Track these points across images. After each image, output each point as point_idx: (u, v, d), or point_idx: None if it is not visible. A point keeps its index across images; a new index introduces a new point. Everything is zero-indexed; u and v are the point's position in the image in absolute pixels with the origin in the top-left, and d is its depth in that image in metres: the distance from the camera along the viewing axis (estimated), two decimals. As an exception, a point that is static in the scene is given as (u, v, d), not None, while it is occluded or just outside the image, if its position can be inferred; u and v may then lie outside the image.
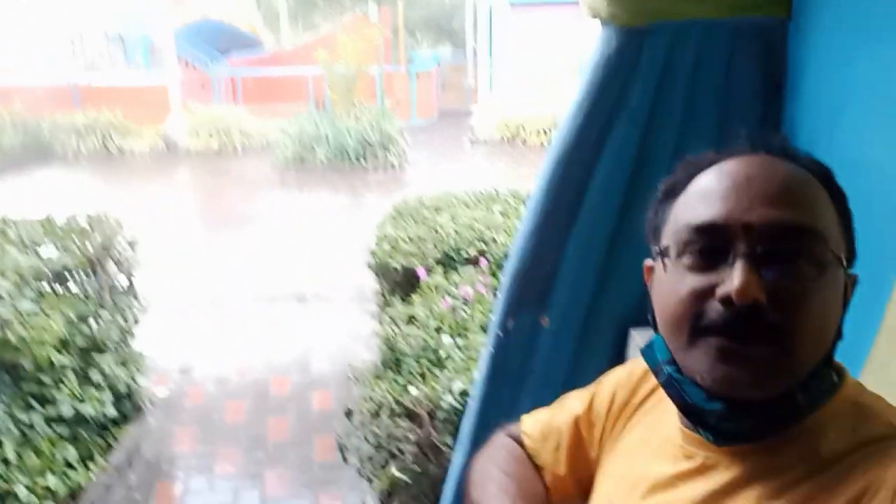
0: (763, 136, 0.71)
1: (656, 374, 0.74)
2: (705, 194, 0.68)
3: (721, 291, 0.63)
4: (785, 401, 0.64)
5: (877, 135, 1.16)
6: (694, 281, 0.66)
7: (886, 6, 1.14)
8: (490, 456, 0.99)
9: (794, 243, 0.63)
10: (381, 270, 3.47)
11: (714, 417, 0.67)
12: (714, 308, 0.64)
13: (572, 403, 0.97)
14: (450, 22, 19.34)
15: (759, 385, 0.63)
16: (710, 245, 0.65)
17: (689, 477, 0.73)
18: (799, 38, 1.40)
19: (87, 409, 3.07)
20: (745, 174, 0.66)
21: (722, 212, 0.65)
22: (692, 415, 0.70)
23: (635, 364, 0.92)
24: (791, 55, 1.43)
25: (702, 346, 0.65)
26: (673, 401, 0.72)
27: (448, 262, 3.40)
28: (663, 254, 0.70)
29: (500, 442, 1.01)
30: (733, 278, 0.61)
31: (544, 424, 0.98)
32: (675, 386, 0.70)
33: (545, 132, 12.38)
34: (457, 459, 1.66)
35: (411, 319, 2.73)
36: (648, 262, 0.77)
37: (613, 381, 0.93)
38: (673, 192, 0.74)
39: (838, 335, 0.68)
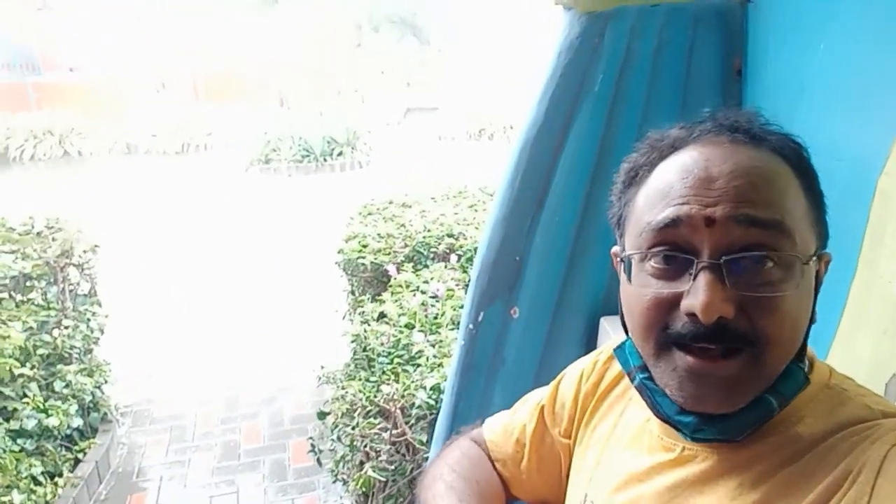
0: (729, 115, 0.68)
1: (630, 378, 0.73)
2: (666, 192, 0.64)
3: (686, 306, 0.61)
4: (757, 405, 0.63)
5: (835, 117, 1.17)
6: (659, 288, 0.63)
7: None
8: (442, 457, 0.96)
9: (759, 244, 0.60)
10: (350, 269, 3.43)
11: (688, 429, 0.66)
12: (680, 319, 0.62)
13: (535, 398, 0.95)
14: (414, 16, 19.25)
15: (729, 401, 0.62)
16: (672, 249, 0.63)
17: (667, 468, 0.71)
18: (758, 22, 1.41)
19: (52, 422, 2.98)
20: (706, 167, 0.63)
21: (682, 213, 0.62)
22: (667, 423, 0.69)
23: (599, 353, 0.90)
24: (750, 38, 1.43)
25: (670, 359, 0.64)
26: (647, 406, 0.71)
27: (418, 259, 3.38)
28: (625, 262, 0.68)
29: (455, 444, 0.99)
30: (698, 294, 0.59)
31: (506, 422, 0.96)
32: (648, 395, 0.69)
33: (511, 127, 12.41)
34: (432, 456, 1.64)
35: (382, 317, 2.70)
36: (616, 248, 0.74)
37: (578, 372, 0.91)
38: (635, 179, 0.70)
39: (811, 321, 0.66)
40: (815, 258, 0.63)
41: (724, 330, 0.60)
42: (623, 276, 0.69)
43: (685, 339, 0.61)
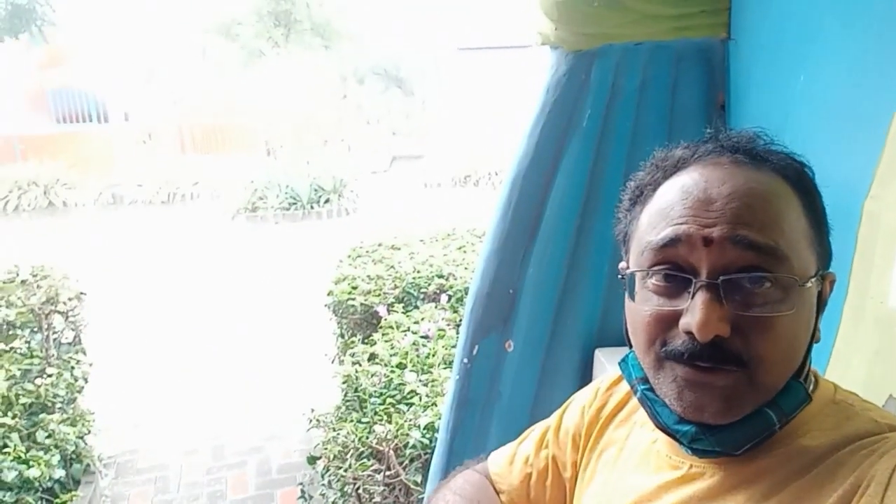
0: (731, 136, 0.69)
1: (632, 389, 0.74)
2: (667, 213, 0.66)
3: (683, 324, 0.62)
4: (755, 419, 0.64)
5: (819, 145, 1.20)
6: (659, 305, 0.65)
7: (822, 24, 1.19)
8: (445, 484, 0.96)
9: (756, 265, 0.61)
10: (340, 311, 3.42)
11: (686, 438, 0.67)
12: (678, 336, 0.63)
13: (539, 429, 0.95)
14: (398, 69, 19.64)
15: (727, 412, 0.63)
16: (672, 268, 0.64)
17: (674, 486, 0.71)
18: (739, 57, 1.46)
19: (34, 473, 2.88)
20: (705, 189, 0.64)
21: (681, 233, 0.63)
22: (666, 433, 0.70)
23: (600, 381, 0.91)
24: (732, 73, 1.48)
25: (669, 371, 0.65)
26: (648, 416, 0.72)
27: (408, 300, 3.37)
28: (628, 278, 0.69)
29: (459, 474, 0.98)
30: (694, 313, 0.61)
31: (510, 454, 0.96)
32: (649, 406, 0.70)
33: (496, 174, 12.56)
34: (429, 494, 1.61)
35: (373, 358, 2.68)
36: (622, 264, 0.75)
37: (581, 401, 0.92)
38: (640, 198, 0.72)
39: (813, 339, 0.67)
40: (815, 278, 0.64)
41: (718, 349, 0.61)
42: (627, 292, 0.71)
43: (682, 356, 0.63)
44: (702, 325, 0.60)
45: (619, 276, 0.72)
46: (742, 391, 0.62)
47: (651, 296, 0.66)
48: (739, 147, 0.67)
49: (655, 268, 0.65)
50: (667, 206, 0.66)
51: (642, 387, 0.71)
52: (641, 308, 0.67)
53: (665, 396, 0.66)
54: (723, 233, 0.61)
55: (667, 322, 0.64)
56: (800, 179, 0.67)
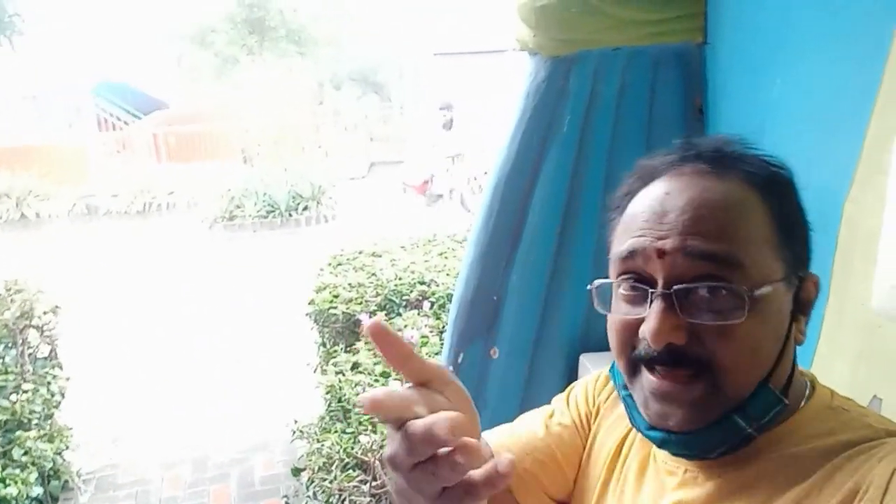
0: (697, 144, 0.70)
1: (619, 394, 0.76)
2: (630, 225, 0.69)
3: (641, 331, 0.65)
4: (723, 424, 0.65)
5: (798, 148, 1.21)
6: (626, 313, 0.68)
7: (798, 27, 1.20)
8: None
9: (709, 274, 0.62)
10: (322, 319, 3.39)
11: (655, 442, 0.70)
12: (641, 342, 0.66)
13: (544, 410, 0.92)
14: (375, 74, 19.62)
15: (690, 420, 0.64)
16: (635, 278, 0.67)
17: (674, 491, 0.72)
18: (716, 61, 1.47)
19: (11, 492, 2.83)
20: (662, 202, 0.66)
21: (637, 245, 0.66)
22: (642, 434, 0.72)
23: (599, 374, 0.91)
24: (709, 77, 1.50)
25: (639, 378, 0.68)
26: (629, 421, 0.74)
27: (391, 307, 3.36)
28: (597, 291, 0.71)
29: None
30: (649, 321, 0.63)
31: (511, 427, 0.90)
32: (628, 410, 0.73)
33: (474, 179, 12.56)
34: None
35: (356, 367, 2.66)
36: (597, 282, 0.74)
37: (585, 381, 0.91)
38: (619, 208, 0.74)
39: (787, 342, 0.67)
40: (781, 283, 0.65)
41: (677, 355, 0.63)
42: (595, 302, 0.73)
43: (645, 360, 0.66)
44: (655, 334, 0.63)
45: (587, 287, 0.73)
46: (707, 400, 0.64)
47: (621, 304, 0.69)
48: (703, 155, 0.69)
49: (621, 277, 0.68)
50: (631, 219, 0.69)
51: (624, 392, 0.73)
52: (614, 316, 0.70)
53: (637, 403, 0.69)
54: (674, 244, 0.63)
55: (633, 329, 0.67)
56: (768, 184, 0.67)
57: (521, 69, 1.58)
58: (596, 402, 0.88)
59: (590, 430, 0.88)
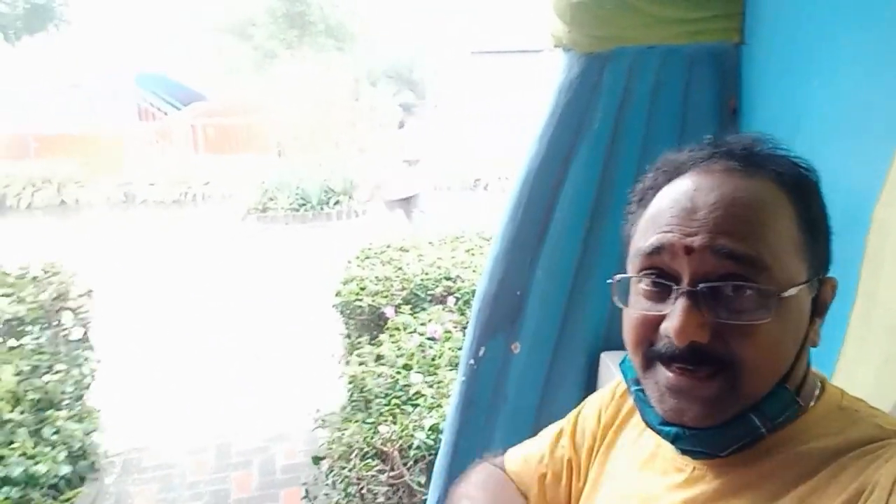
0: (728, 141, 0.70)
1: (629, 390, 0.76)
2: (656, 220, 0.68)
3: (664, 328, 0.64)
4: (738, 423, 0.65)
5: (831, 151, 1.18)
6: (647, 308, 0.67)
7: (836, 29, 1.18)
8: (466, 478, 0.97)
9: (736, 274, 0.62)
10: (348, 311, 3.42)
11: (668, 438, 0.69)
12: (662, 339, 0.65)
13: (555, 428, 0.96)
14: (410, 72, 19.68)
15: (706, 417, 0.65)
16: (658, 274, 0.66)
17: (680, 488, 0.72)
18: (752, 62, 1.45)
19: (40, 469, 2.90)
20: (692, 198, 0.66)
21: (665, 241, 0.65)
22: (655, 432, 0.71)
23: (617, 385, 0.91)
24: (745, 78, 1.47)
25: (654, 373, 0.67)
26: (641, 417, 0.74)
27: (415, 302, 3.37)
28: (623, 281, 0.71)
29: (479, 467, 0.99)
30: (673, 319, 0.63)
31: (527, 453, 0.96)
32: (639, 406, 0.73)
33: (506, 178, 12.55)
34: (432, 495, 1.61)
35: (379, 359, 2.68)
36: (617, 277, 0.76)
37: (597, 402, 0.92)
38: (642, 201, 0.73)
39: (805, 344, 0.67)
40: (805, 286, 0.64)
41: (699, 353, 0.63)
42: (616, 298, 0.73)
43: (665, 357, 0.65)
44: (679, 331, 0.62)
45: (608, 282, 0.73)
46: (724, 398, 0.64)
47: (641, 299, 0.68)
48: (734, 153, 0.68)
49: (643, 273, 0.68)
50: (657, 213, 0.69)
51: (635, 387, 0.73)
52: (632, 311, 0.69)
53: (650, 398, 0.69)
54: (703, 242, 0.63)
55: (653, 325, 0.66)
56: (797, 186, 0.67)
57: (554, 66, 1.58)
58: (616, 419, 0.88)
59: (595, 444, 0.89)
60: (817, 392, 0.69)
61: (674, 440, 0.68)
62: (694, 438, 0.66)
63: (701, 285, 0.63)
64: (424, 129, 8.70)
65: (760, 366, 0.63)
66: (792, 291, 0.63)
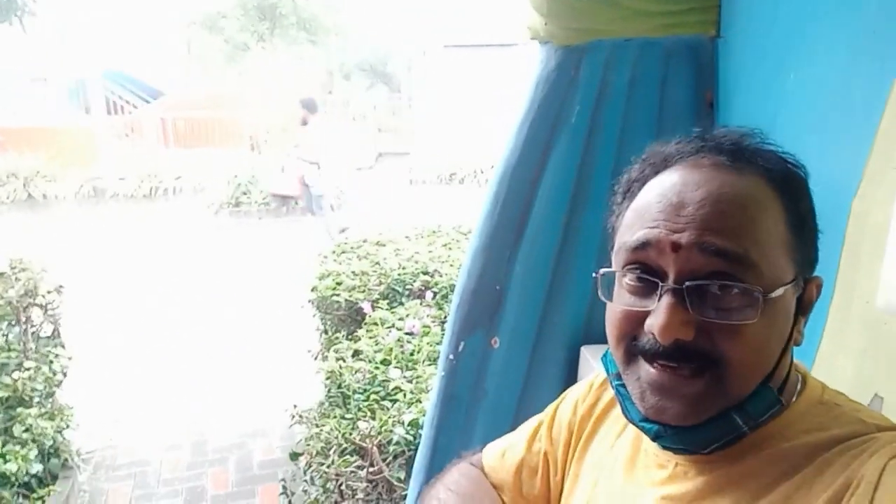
0: (716, 136, 0.68)
1: (610, 384, 0.75)
2: (643, 214, 0.66)
3: (648, 324, 0.63)
4: (720, 421, 0.64)
5: (808, 144, 1.20)
6: (631, 303, 0.66)
7: (812, 22, 1.19)
8: (440, 479, 0.96)
9: (722, 272, 0.61)
10: (324, 307, 3.39)
11: (650, 435, 0.68)
12: (646, 335, 0.64)
13: (533, 423, 0.95)
14: (384, 65, 19.58)
15: (688, 415, 0.64)
16: (644, 269, 0.65)
17: (662, 485, 0.71)
18: (729, 55, 1.46)
19: (11, 468, 2.84)
20: (679, 193, 0.64)
21: (651, 237, 0.64)
22: (634, 426, 0.71)
23: (595, 377, 0.91)
24: (721, 71, 1.48)
25: (636, 369, 0.66)
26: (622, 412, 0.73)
27: (393, 296, 3.35)
28: (601, 280, 0.70)
29: (454, 467, 0.98)
30: (658, 316, 0.62)
31: (505, 447, 0.96)
32: (620, 400, 0.71)
33: (482, 172, 12.57)
34: (412, 491, 1.60)
35: (357, 354, 2.66)
36: (602, 271, 0.74)
37: (575, 394, 0.91)
38: (627, 193, 0.72)
39: (789, 343, 0.67)
40: (791, 285, 0.64)
41: (683, 350, 0.62)
42: (599, 292, 0.72)
43: (647, 353, 0.64)
44: (663, 329, 0.61)
45: (593, 275, 0.72)
46: (708, 396, 0.63)
47: (625, 294, 0.67)
48: (723, 148, 0.67)
49: (628, 267, 0.67)
50: (644, 207, 0.67)
51: (616, 382, 0.72)
52: (616, 305, 0.68)
53: (631, 394, 0.68)
54: (691, 239, 0.62)
55: (637, 321, 0.65)
56: (785, 183, 0.66)
57: (531, 59, 1.57)
58: (594, 410, 0.88)
59: (572, 438, 0.89)
60: (798, 386, 0.69)
61: (655, 437, 0.68)
62: (675, 436, 0.66)
63: (687, 283, 0.61)
64: (327, 127, 8.49)
65: (746, 366, 0.63)
66: (779, 291, 0.62)
